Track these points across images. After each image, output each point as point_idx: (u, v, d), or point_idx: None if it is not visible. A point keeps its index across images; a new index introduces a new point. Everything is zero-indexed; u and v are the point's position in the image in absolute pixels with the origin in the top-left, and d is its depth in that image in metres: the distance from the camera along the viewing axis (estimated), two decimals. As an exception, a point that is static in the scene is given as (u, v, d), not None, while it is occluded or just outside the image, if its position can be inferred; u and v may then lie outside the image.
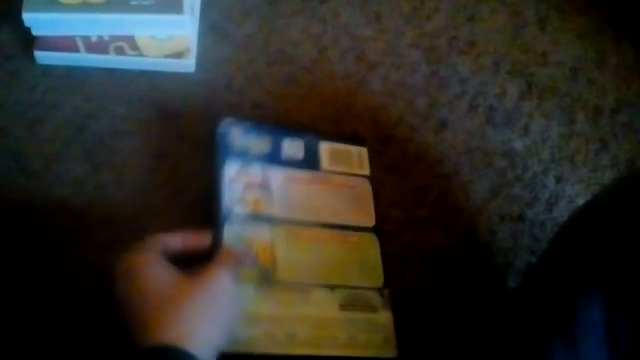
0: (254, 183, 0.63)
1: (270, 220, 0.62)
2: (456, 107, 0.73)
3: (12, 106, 0.67)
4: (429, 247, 0.66)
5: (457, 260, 0.66)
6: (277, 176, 0.64)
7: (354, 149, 0.68)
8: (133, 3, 0.68)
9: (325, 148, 0.67)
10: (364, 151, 0.68)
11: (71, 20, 0.68)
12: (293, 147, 0.66)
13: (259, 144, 0.65)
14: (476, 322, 0.62)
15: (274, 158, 0.65)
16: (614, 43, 0.79)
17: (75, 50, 0.69)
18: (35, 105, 0.68)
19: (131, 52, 0.69)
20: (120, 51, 0.69)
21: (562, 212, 0.69)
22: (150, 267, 0.52)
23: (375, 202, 0.66)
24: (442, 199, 0.69)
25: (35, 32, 0.69)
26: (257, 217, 0.61)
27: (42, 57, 0.69)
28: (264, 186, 0.63)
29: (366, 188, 0.66)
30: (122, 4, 0.68)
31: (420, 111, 0.73)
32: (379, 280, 0.62)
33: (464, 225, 0.68)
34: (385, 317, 0.61)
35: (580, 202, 0.70)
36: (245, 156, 0.63)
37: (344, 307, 0.60)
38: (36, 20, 0.68)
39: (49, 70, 0.69)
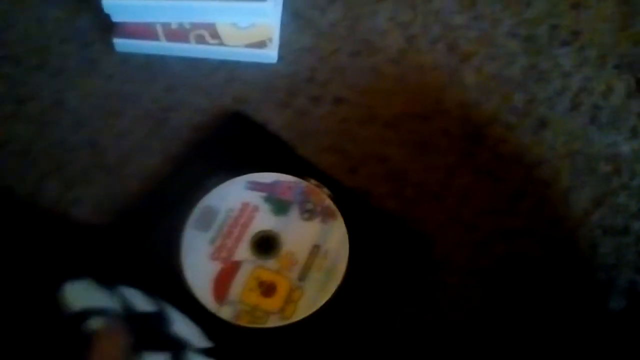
0: None
1: None
2: (557, 104, 0.67)
3: (88, 96, 0.66)
4: (523, 261, 0.61)
5: (553, 276, 0.61)
6: None
7: None
8: (215, -11, 0.65)
9: None
10: None
11: (151, 7, 0.65)
12: None
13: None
14: (573, 344, 0.57)
15: None
16: None
17: (155, 37, 0.66)
18: (112, 95, 0.66)
19: (212, 41, 0.66)
20: (200, 39, 0.66)
21: (673, 226, 0.63)
22: None
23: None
24: (538, 207, 0.63)
25: (114, 19, 0.66)
26: None
27: (121, 44, 0.67)
28: None
29: None
30: (204, -9, 0.65)
31: (516, 108, 0.67)
32: None
33: (562, 238, 0.62)
34: None
35: (694, 215, 0.63)
36: None
37: None
38: (116, 6, 0.65)
39: (127, 58, 0.67)
